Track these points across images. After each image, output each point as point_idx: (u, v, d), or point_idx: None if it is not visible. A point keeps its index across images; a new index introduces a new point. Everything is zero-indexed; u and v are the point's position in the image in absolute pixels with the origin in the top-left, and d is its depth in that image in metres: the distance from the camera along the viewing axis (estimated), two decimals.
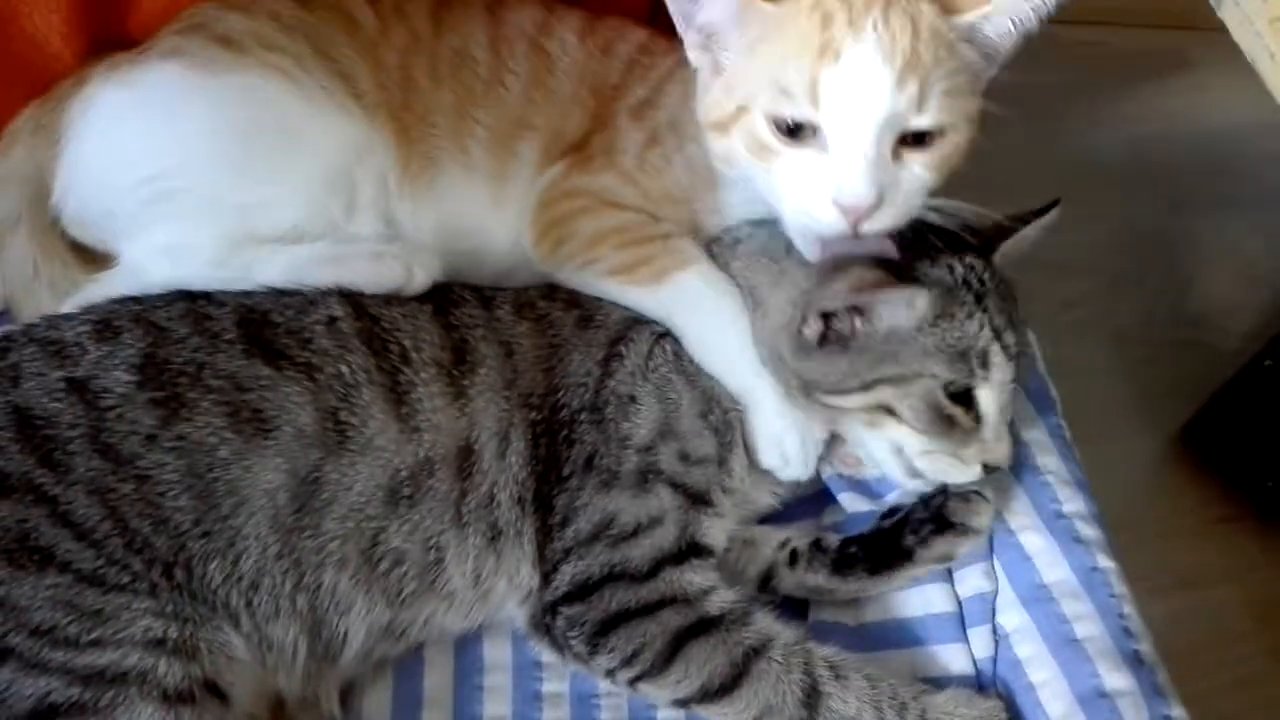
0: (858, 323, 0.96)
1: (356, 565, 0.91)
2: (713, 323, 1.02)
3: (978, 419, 0.97)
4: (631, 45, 1.11)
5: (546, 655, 0.99)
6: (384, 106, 1.05)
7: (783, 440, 1.02)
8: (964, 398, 0.96)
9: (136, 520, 0.87)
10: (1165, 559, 1.52)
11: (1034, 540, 1.01)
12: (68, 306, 1.01)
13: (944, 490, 1.00)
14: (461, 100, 1.07)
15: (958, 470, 0.98)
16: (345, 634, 0.92)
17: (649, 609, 0.92)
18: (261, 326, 0.95)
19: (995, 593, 1.00)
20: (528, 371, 0.99)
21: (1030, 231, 1.03)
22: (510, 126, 1.08)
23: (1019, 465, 1.06)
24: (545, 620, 0.95)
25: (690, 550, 0.96)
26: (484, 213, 1.08)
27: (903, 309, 0.94)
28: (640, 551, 0.94)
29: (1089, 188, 1.88)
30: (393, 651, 0.97)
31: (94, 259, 1.08)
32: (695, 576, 0.94)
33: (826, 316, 0.96)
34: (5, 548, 0.83)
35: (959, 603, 1.01)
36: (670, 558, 0.95)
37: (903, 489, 1.04)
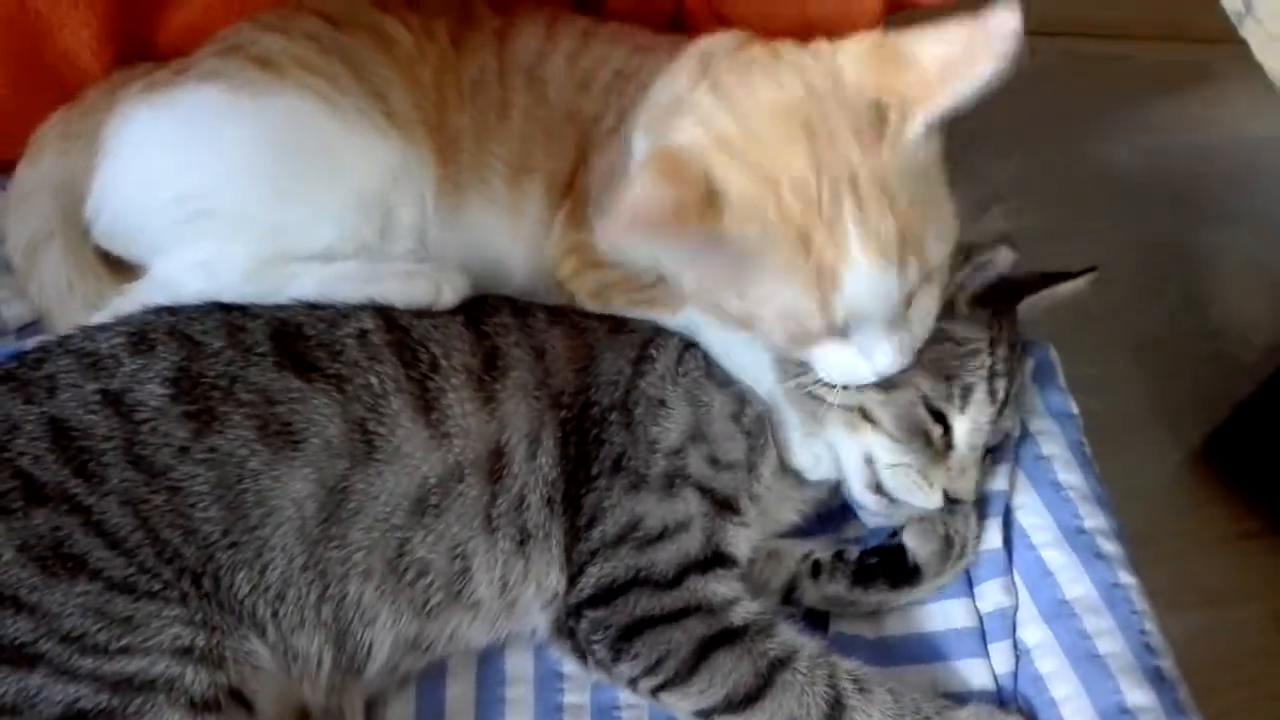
0: None
1: (382, 576, 0.92)
2: (730, 348, 1.03)
3: (950, 445, 0.98)
4: (609, 70, 1.08)
5: (568, 665, 0.99)
6: (422, 125, 1.06)
7: (813, 444, 1.02)
8: (941, 419, 0.98)
9: (167, 530, 0.88)
10: (1186, 574, 1.51)
11: (1055, 556, 1.01)
12: (97, 319, 1.02)
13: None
14: (480, 129, 1.07)
15: (921, 492, 0.98)
16: (370, 645, 0.93)
17: (673, 617, 0.92)
18: (294, 340, 0.96)
19: (1016, 608, 1.00)
20: (560, 372, 1.00)
21: (1059, 291, 1.04)
22: (519, 162, 1.08)
23: (1040, 480, 1.06)
24: (569, 623, 0.95)
25: (715, 559, 0.96)
26: (505, 243, 1.09)
27: None
28: (666, 556, 0.94)
29: (1110, 200, 1.88)
30: (417, 665, 0.97)
31: (123, 269, 1.09)
32: (720, 586, 0.94)
33: None
34: (39, 555, 0.84)
35: (980, 618, 1.01)
36: (695, 565, 0.95)
37: (862, 514, 1.05)
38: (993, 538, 1.04)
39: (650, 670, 0.91)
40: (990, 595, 1.02)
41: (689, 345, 1.03)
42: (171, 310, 0.97)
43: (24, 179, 1.11)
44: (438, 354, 0.97)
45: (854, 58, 0.90)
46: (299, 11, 1.11)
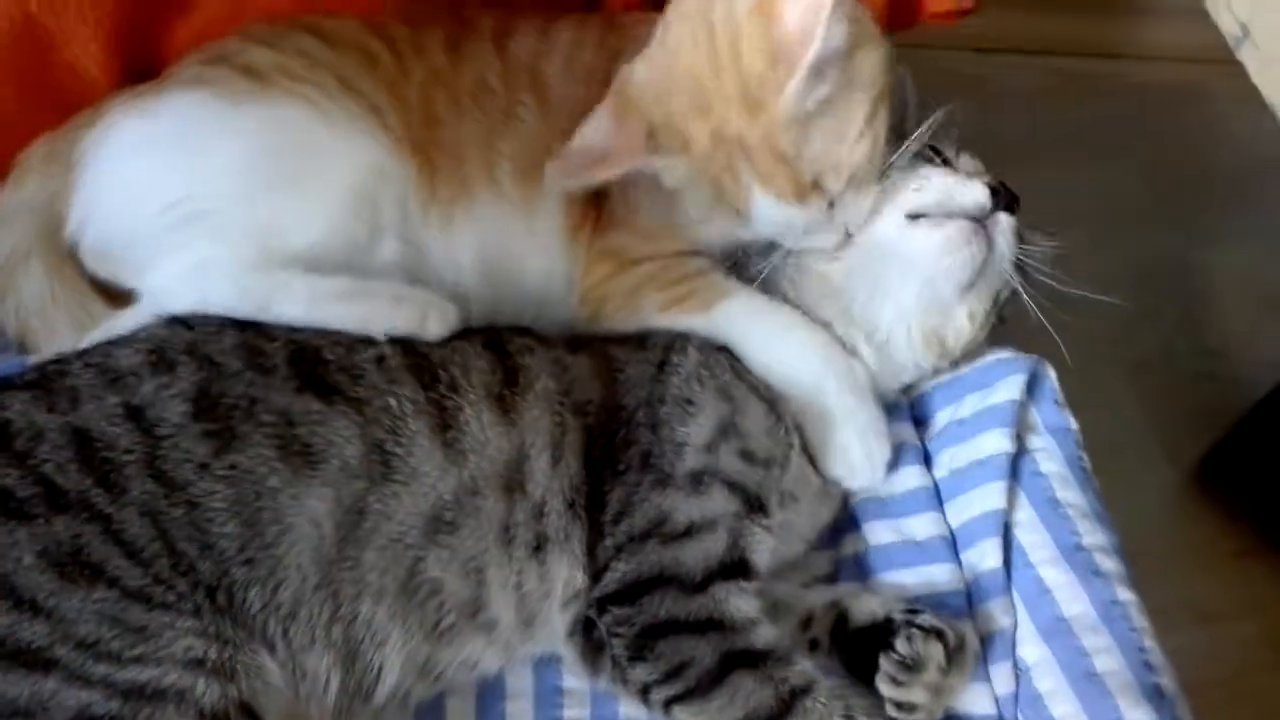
0: None
1: (394, 597, 0.92)
2: (766, 343, 1.05)
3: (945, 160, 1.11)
4: (605, 60, 1.10)
5: (570, 679, 0.99)
6: (407, 141, 1.06)
7: (849, 448, 1.04)
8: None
9: (184, 543, 0.88)
10: (1184, 592, 1.51)
11: (1053, 573, 1.01)
12: (89, 341, 1.01)
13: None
14: (486, 131, 1.08)
15: (955, 181, 1.07)
16: (380, 668, 0.92)
17: (698, 626, 0.91)
18: (313, 364, 0.96)
19: (1015, 626, 1.00)
20: (584, 384, 1.00)
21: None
22: (531, 157, 1.08)
23: (1037, 497, 1.06)
24: (590, 619, 0.94)
25: (739, 566, 0.95)
26: (519, 241, 1.09)
27: None
28: (691, 555, 0.94)
29: (1107, 219, 1.88)
30: (428, 693, 0.97)
31: (111, 294, 1.07)
32: (743, 604, 0.94)
33: None
34: (58, 561, 0.84)
35: (981, 639, 1.01)
36: (720, 570, 0.94)
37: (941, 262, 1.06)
38: (992, 557, 1.03)
39: (668, 677, 0.91)
40: (990, 616, 1.01)
41: (715, 349, 1.04)
42: (188, 325, 0.97)
43: (5, 203, 1.09)
44: (457, 374, 0.97)
45: (740, 12, 0.98)
46: (290, 28, 1.11)
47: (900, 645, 0.95)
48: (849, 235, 1.05)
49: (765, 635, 0.93)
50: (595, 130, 1.01)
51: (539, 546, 0.95)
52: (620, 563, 0.94)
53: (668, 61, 1.01)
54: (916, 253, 1.05)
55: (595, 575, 0.95)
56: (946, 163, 1.11)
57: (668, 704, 0.92)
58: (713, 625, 0.92)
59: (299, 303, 0.99)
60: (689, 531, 0.95)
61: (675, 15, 1.03)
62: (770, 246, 1.08)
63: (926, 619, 0.97)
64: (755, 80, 0.96)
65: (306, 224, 1.02)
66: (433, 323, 1.00)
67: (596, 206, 1.10)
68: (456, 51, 1.10)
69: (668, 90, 1.00)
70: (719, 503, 0.96)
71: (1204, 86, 2.13)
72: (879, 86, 1.01)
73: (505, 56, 1.10)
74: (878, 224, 1.06)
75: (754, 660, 0.91)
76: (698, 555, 0.94)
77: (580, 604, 0.96)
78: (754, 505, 0.97)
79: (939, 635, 0.96)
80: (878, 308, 1.09)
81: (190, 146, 1.03)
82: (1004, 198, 1.07)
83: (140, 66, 1.16)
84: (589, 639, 0.96)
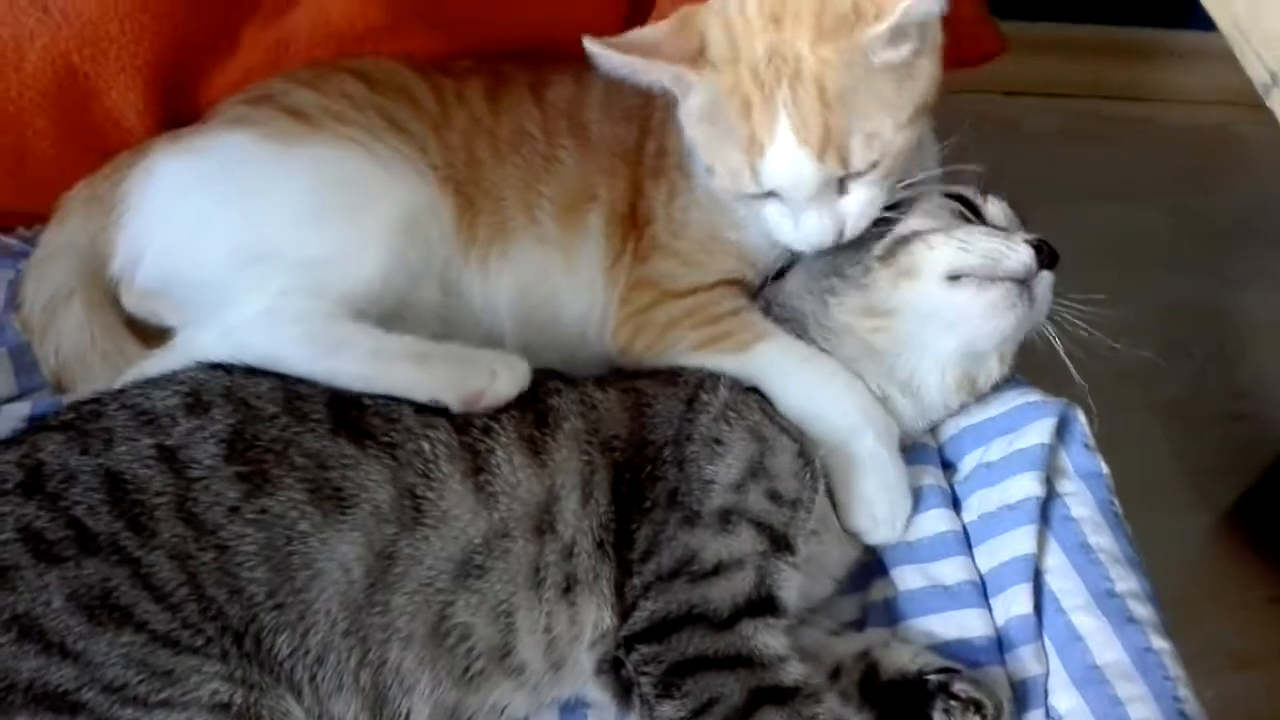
0: None
1: (423, 642, 0.91)
2: (802, 389, 1.05)
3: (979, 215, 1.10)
4: (639, 98, 1.12)
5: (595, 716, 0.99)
6: (450, 181, 1.08)
7: (874, 502, 1.04)
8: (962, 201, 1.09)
9: (213, 588, 0.88)
10: (1217, 638, 1.50)
11: (1085, 620, 1.00)
12: (124, 380, 1.01)
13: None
14: (527, 175, 1.10)
15: (999, 240, 1.04)
16: (408, 714, 0.92)
17: (726, 663, 0.91)
18: (350, 407, 0.96)
19: (1047, 674, 0.99)
20: (612, 420, 1.01)
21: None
22: (573, 198, 1.11)
23: (1069, 543, 1.05)
24: (617, 655, 0.94)
25: (766, 603, 0.94)
26: (558, 280, 1.11)
27: None
28: (719, 594, 0.93)
29: (1137, 260, 1.88)
30: None
31: (146, 334, 1.09)
32: (771, 640, 0.93)
33: None
34: (87, 604, 0.84)
35: (1013, 686, 1.00)
36: (748, 607, 0.93)
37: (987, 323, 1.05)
38: (1023, 603, 1.02)
39: (696, 714, 0.89)
40: (1022, 663, 1.00)
41: (745, 389, 1.04)
42: (226, 369, 0.97)
43: (48, 242, 1.11)
44: (489, 418, 0.97)
45: None
46: (334, 70, 1.13)
47: (939, 719, 0.95)
48: (841, 236, 1.03)
49: (794, 672, 0.92)
50: (652, 31, 1.02)
51: (568, 588, 0.95)
52: (648, 601, 0.94)
53: None
54: (961, 315, 1.05)
55: (623, 614, 0.95)
56: (977, 212, 1.10)
57: None
58: (741, 661, 0.91)
59: (365, 357, 0.98)
60: (717, 570, 0.94)
61: None
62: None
63: (964, 688, 0.96)
64: (841, 7, 0.96)
65: (363, 262, 1.03)
66: (503, 381, 0.98)
67: (638, 236, 1.11)
68: (496, 102, 1.13)
69: (745, 2, 1.00)
70: (747, 542, 0.96)
71: (1232, 129, 2.13)
72: (927, 98, 1.01)
73: (543, 105, 1.13)
74: (918, 286, 1.05)
75: (782, 697, 0.90)
76: (725, 593, 0.93)
77: (608, 643, 0.95)
78: (781, 544, 0.97)
79: (977, 708, 0.95)
80: (915, 361, 1.08)
81: (246, 188, 1.04)
82: (1046, 255, 1.05)
83: (178, 115, 1.18)
84: (617, 677, 0.95)
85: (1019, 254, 1.04)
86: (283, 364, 0.98)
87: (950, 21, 1.02)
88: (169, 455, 0.91)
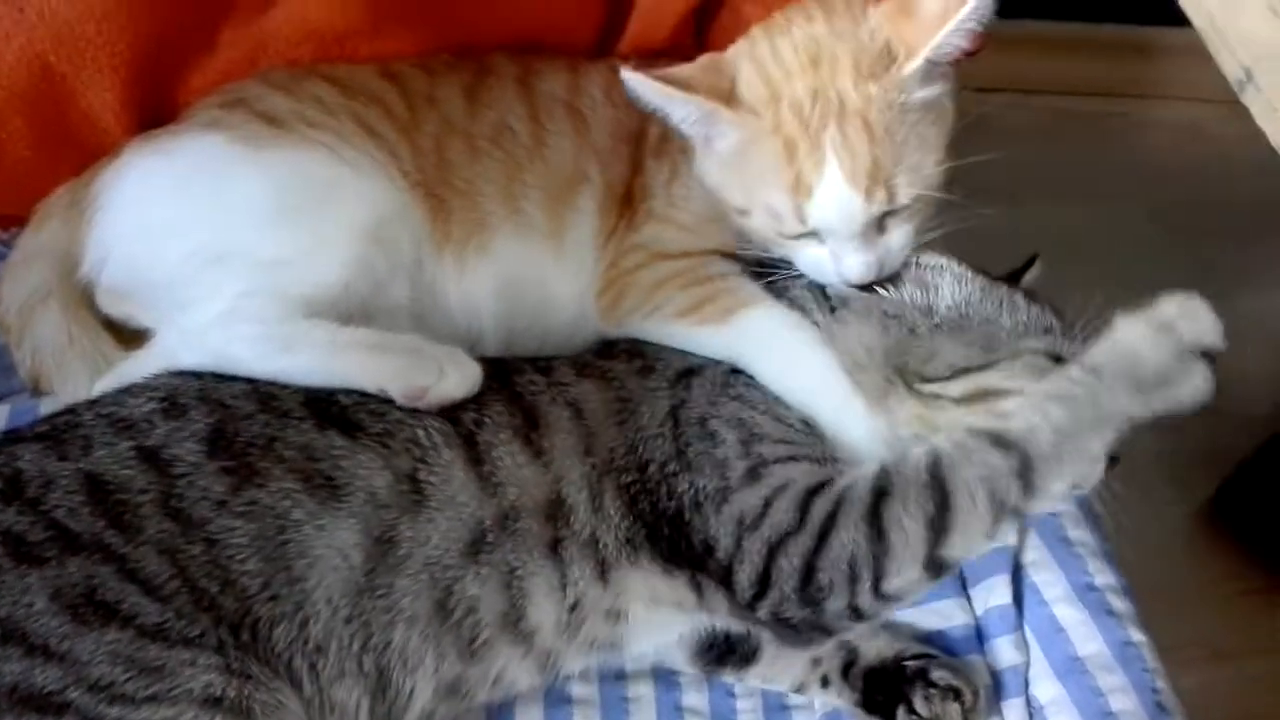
0: None
1: (427, 619, 0.91)
2: (788, 358, 1.03)
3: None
4: None
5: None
6: (421, 185, 1.08)
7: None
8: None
9: (204, 580, 0.88)
10: (1195, 630, 1.51)
11: (1067, 612, 1.01)
12: (102, 385, 1.01)
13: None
14: (508, 168, 1.10)
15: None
16: (411, 692, 0.92)
17: (824, 536, 0.90)
18: (329, 405, 0.96)
19: (1026, 664, 1.00)
20: (603, 432, 0.99)
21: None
22: (565, 182, 1.10)
23: (1050, 536, 1.07)
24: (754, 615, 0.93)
25: (821, 485, 0.93)
26: (545, 268, 1.10)
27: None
28: (781, 516, 0.92)
29: (1112, 256, 1.89)
30: (453, 713, 0.96)
31: (124, 335, 1.08)
32: (837, 476, 0.93)
33: None
34: (71, 603, 0.84)
35: (993, 674, 1.01)
36: (807, 496, 0.92)
37: None
38: (1002, 594, 1.04)
39: (851, 580, 0.88)
40: (1002, 652, 1.02)
41: (728, 371, 1.03)
42: (197, 375, 0.97)
43: (25, 245, 1.11)
44: (476, 413, 0.97)
45: (881, 11, 1.01)
46: (308, 75, 1.13)
47: (919, 705, 0.96)
48: (881, 272, 1.01)
49: (868, 469, 0.92)
50: (683, 69, 1.01)
51: (603, 572, 0.95)
52: (735, 575, 0.93)
53: (785, 19, 1.03)
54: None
55: (727, 586, 0.94)
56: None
57: (877, 590, 0.89)
58: (831, 516, 0.90)
59: (319, 349, 0.98)
60: (768, 504, 0.93)
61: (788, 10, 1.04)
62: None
63: (942, 675, 0.97)
64: (878, 47, 0.97)
65: (326, 266, 1.02)
66: (450, 381, 0.98)
67: (632, 213, 1.11)
68: (475, 99, 1.12)
69: (776, 45, 1.01)
70: (778, 476, 0.95)
71: (1208, 126, 2.14)
72: (951, 135, 1.01)
73: (533, 96, 1.13)
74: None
75: (883, 493, 0.89)
76: (785, 511, 0.92)
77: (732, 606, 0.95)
78: (814, 460, 0.96)
79: (956, 694, 0.96)
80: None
81: (213, 189, 1.04)
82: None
83: (156, 116, 1.17)
84: (692, 580, 0.96)
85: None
86: (238, 364, 0.97)
87: None
88: (150, 455, 0.91)
